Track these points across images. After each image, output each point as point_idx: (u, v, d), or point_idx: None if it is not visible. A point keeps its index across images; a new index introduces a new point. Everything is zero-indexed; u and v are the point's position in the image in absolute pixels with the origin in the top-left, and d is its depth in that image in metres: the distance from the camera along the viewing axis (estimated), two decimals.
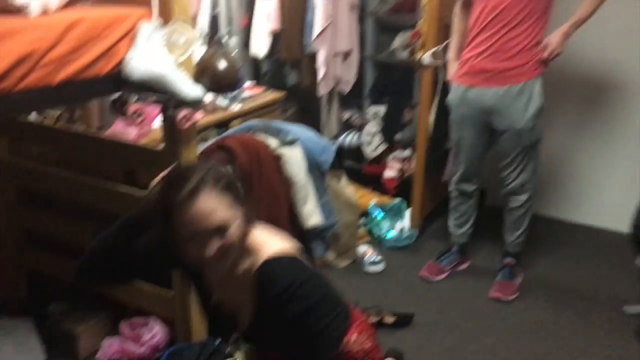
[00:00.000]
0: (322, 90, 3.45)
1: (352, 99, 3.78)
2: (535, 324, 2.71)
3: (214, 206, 1.29)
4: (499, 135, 2.79)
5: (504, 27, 2.59)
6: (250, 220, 1.39)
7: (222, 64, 1.88)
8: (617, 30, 3.21)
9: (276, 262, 1.39)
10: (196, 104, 1.81)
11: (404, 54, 3.47)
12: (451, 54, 2.90)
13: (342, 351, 1.53)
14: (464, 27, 2.81)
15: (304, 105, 4.05)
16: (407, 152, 3.63)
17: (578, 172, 3.57)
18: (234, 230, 1.31)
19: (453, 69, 2.86)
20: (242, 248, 1.38)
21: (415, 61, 3.26)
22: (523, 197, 2.88)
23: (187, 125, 1.81)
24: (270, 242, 1.43)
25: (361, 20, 3.56)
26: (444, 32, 3.16)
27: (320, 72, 3.38)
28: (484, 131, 2.84)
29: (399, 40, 3.50)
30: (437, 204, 3.68)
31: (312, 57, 3.42)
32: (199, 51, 1.95)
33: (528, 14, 2.54)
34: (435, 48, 3.11)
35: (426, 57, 3.11)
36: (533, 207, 2.95)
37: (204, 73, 1.87)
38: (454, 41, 2.89)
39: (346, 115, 3.83)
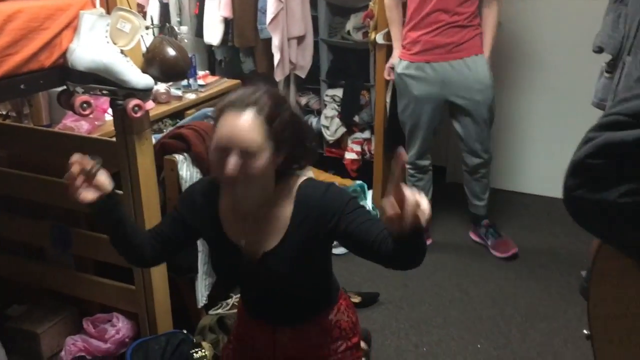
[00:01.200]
0: (279, 75, 3.44)
1: (309, 83, 3.78)
2: (496, 293, 2.78)
3: (251, 127, 1.29)
4: (459, 110, 2.87)
5: (453, 4, 2.68)
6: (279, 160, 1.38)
7: (171, 52, 1.85)
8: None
9: (312, 181, 1.45)
10: (146, 93, 1.79)
11: (357, 36, 3.48)
12: (396, 44, 2.95)
13: (333, 321, 1.60)
14: (400, 17, 2.91)
15: None
16: (366, 134, 3.65)
17: (530, 145, 3.65)
18: (258, 159, 1.30)
19: (390, 64, 2.99)
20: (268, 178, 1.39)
21: (369, 42, 3.27)
22: (487, 165, 3.04)
23: (138, 114, 1.78)
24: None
25: (313, 3, 3.55)
26: None
27: (276, 58, 3.36)
28: (441, 106, 2.91)
29: (352, 22, 3.50)
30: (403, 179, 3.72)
31: (267, 43, 3.40)
32: (146, 39, 1.91)
33: None
34: (388, 28, 3.12)
35: (379, 37, 3.13)
36: None
37: (152, 62, 1.84)
38: (395, 31, 2.94)
39: (304, 99, 3.83)
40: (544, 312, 2.64)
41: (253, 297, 1.62)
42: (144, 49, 1.86)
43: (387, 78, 3.08)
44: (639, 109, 0.70)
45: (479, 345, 2.45)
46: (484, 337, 2.49)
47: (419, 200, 1.10)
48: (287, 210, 1.42)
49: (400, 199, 1.10)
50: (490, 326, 2.56)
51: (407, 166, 3.10)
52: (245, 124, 1.29)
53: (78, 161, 1.39)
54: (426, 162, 3.10)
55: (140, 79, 1.75)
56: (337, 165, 3.78)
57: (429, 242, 3.20)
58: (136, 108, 1.77)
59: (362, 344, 2.25)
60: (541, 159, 3.64)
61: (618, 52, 2.49)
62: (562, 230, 3.27)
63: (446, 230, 3.30)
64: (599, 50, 2.53)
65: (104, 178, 1.43)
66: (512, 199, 3.63)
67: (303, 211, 1.40)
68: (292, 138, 1.37)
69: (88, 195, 1.40)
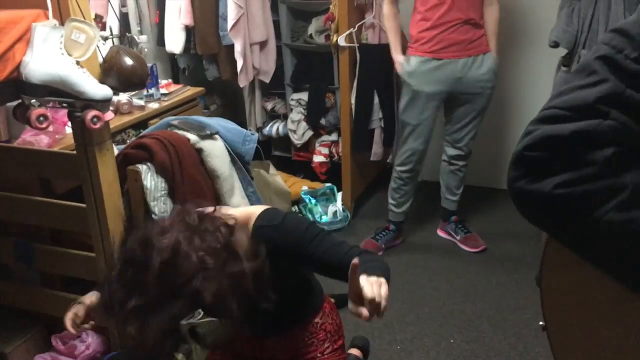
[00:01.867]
0: (242, 81, 3.43)
1: (274, 88, 3.78)
2: (467, 288, 2.81)
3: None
4: (457, 102, 2.92)
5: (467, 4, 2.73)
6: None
7: (128, 62, 1.83)
8: None
9: (261, 217, 1.43)
10: (104, 104, 1.76)
11: (320, 39, 3.49)
12: (396, 51, 2.91)
13: (319, 324, 1.63)
14: (398, 25, 2.90)
15: (227, 99, 4.03)
16: (333, 136, 3.67)
17: (500, 141, 3.71)
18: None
19: (400, 62, 2.91)
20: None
21: (331, 45, 3.29)
22: (466, 159, 3.09)
23: (97, 125, 1.76)
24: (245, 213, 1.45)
25: (274, 8, 3.55)
26: (356, 13, 3.20)
27: (239, 64, 3.35)
28: (441, 106, 2.96)
29: (313, 26, 3.51)
30: (367, 184, 3.75)
31: (230, 49, 3.39)
32: (103, 50, 1.89)
33: None
34: (350, 30, 3.14)
35: (341, 40, 3.14)
36: None
37: (109, 72, 1.81)
38: (394, 40, 2.90)
39: (270, 104, 3.82)
40: (514, 304, 2.68)
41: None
42: (100, 60, 1.84)
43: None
44: (575, 102, 0.72)
45: (451, 340, 2.47)
46: (456, 331, 2.52)
47: (377, 295, 1.16)
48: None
49: (360, 296, 1.15)
50: (462, 321, 2.59)
51: (399, 168, 3.07)
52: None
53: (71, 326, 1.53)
54: (419, 167, 3.09)
55: (97, 89, 1.73)
56: (305, 169, 3.79)
57: (400, 240, 3.23)
58: (95, 119, 1.74)
59: (357, 352, 2.27)
60: (504, 154, 3.69)
61: (573, 46, 2.55)
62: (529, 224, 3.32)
63: (417, 228, 3.33)
64: (555, 45, 2.59)
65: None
66: (481, 194, 3.68)
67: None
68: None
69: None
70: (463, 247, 3.14)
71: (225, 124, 2.43)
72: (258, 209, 1.46)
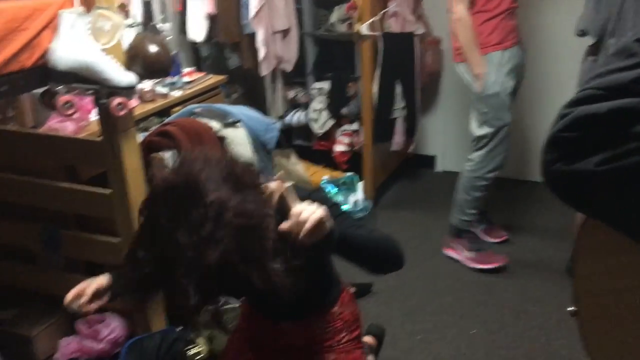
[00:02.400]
0: (264, 70, 3.42)
1: (296, 77, 3.77)
2: (490, 278, 2.79)
3: None
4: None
5: None
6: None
7: (152, 49, 1.84)
8: None
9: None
10: (129, 91, 1.78)
11: (342, 28, 3.47)
12: (479, 64, 2.65)
13: (337, 313, 1.61)
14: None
15: (248, 87, 4.02)
16: (354, 126, 3.65)
17: (519, 132, 3.66)
18: None
19: (480, 62, 2.67)
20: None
21: (354, 34, 3.27)
22: None
23: (122, 112, 1.77)
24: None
25: None
26: (379, 1, 3.18)
27: (261, 53, 3.35)
28: None
29: (336, 14, 3.49)
30: (388, 174, 3.73)
31: (252, 38, 3.39)
32: (128, 37, 1.90)
33: None
34: (372, 18, 3.12)
35: (364, 28, 3.12)
36: None
37: (134, 59, 1.82)
38: (472, 41, 2.64)
39: (291, 93, 3.82)
40: (536, 296, 2.65)
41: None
42: (125, 47, 1.85)
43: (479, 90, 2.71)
44: (612, 83, 0.71)
45: (473, 331, 2.46)
46: (478, 322, 2.51)
47: (305, 211, 1.14)
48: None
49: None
50: (483, 312, 2.57)
51: (492, 175, 2.81)
52: None
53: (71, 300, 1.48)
54: None
55: (122, 76, 1.74)
56: (326, 158, 3.78)
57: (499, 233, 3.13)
58: (120, 106, 1.76)
59: (371, 339, 2.26)
60: (528, 146, 3.65)
61: (601, 35, 2.50)
62: (552, 213, 3.28)
63: (439, 218, 3.31)
64: (582, 33, 2.54)
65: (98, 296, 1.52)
66: (504, 186, 3.64)
67: None
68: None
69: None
70: (486, 238, 3.10)
71: (248, 112, 2.44)
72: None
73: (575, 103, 0.73)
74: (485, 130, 2.75)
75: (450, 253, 2.98)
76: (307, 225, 1.13)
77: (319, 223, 1.14)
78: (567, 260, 2.69)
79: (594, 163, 0.70)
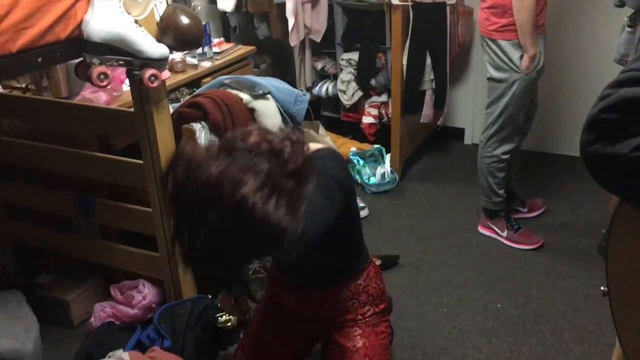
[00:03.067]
0: (294, 40, 3.41)
1: (325, 47, 3.74)
2: (517, 253, 2.79)
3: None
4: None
5: None
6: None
7: (184, 20, 1.84)
8: None
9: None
10: (161, 63, 1.79)
11: None
12: (532, 32, 2.50)
13: (362, 285, 1.63)
14: None
15: (277, 58, 4.02)
16: (383, 97, 3.63)
17: (552, 105, 3.60)
18: None
19: (534, 42, 2.54)
20: None
21: (384, 4, 3.22)
22: None
23: (155, 84, 1.79)
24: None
25: None
26: None
27: (290, 23, 3.32)
28: None
29: None
30: (416, 147, 3.72)
31: (281, 8, 3.36)
32: (159, 8, 1.91)
33: None
34: None
35: None
36: None
37: (166, 31, 1.83)
38: (534, 19, 2.49)
39: (320, 64, 3.80)
40: (564, 272, 2.64)
41: (284, 266, 1.65)
42: (157, 18, 1.85)
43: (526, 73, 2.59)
44: None
45: (499, 305, 2.47)
46: (504, 296, 2.51)
47: None
48: None
49: None
50: (510, 286, 2.58)
51: (505, 156, 2.76)
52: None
53: None
54: None
55: (155, 48, 1.76)
56: (354, 130, 3.78)
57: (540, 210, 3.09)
58: (152, 78, 1.78)
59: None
60: (565, 118, 3.59)
61: None
62: (583, 189, 3.24)
63: (465, 193, 3.30)
64: (621, 4, 2.47)
65: None
66: (534, 159, 3.60)
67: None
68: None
69: None
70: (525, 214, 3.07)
71: (277, 84, 2.44)
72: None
73: (618, 84, 0.72)
74: (497, 113, 2.69)
75: (486, 232, 2.95)
76: None
77: None
78: (599, 239, 2.67)
79: (630, 147, 0.69)
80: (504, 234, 2.88)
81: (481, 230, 2.97)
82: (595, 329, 2.29)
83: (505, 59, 2.59)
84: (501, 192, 2.83)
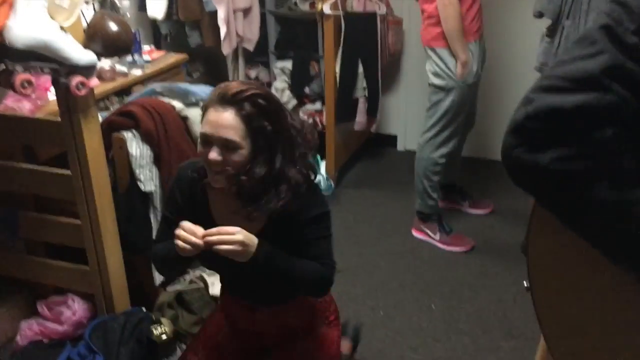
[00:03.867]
0: (226, 49, 3.39)
1: (258, 56, 3.75)
2: (449, 256, 2.87)
3: (230, 124, 1.36)
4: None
5: None
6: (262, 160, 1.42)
7: (112, 27, 1.80)
8: None
9: None
10: (89, 70, 1.74)
11: (304, 7, 3.46)
12: (461, 39, 2.61)
13: (311, 301, 1.67)
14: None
15: (210, 66, 3.98)
16: (317, 105, 3.66)
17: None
18: (236, 154, 1.38)
19: (466, 49, 2.64)
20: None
21: (316, 13, 3.26)
22: None
23: (82, 92, 1.74)
24: None
25: None
26: None
27: (222, 31, 3.31)
28: None
29: None
30: (350, 154, 3.77)
31: (213, 16, 3.34)
32: (86, 15, 1.86)
33: None
34: None
35: (326, 7, 3.12)
36: None
37: (94, 37, 1.79)
38: (461, 27, 2.60)
39: (253, 72, 3.79)
40: (494, 272, 2.74)
41: (235, 283, 1.65)
42: (84, 25, 1.81)
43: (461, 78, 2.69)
44: (577, 73, 0.73)
45: (433, 306, 2.53)
46: (438, 297, 2.58)
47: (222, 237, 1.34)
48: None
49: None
50: (443, 287, 2.65)
51: (441, 161, 2.85)
52: (224, 121, 1.36)
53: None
54: None
55: (82, 55, 1.71)
56: None
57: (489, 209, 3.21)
58: (80, 85, 1.73)
59: (347, 344, 2.25)
60: (490, 125, 3.73)
61: (558, 16, 2.56)
62: (512, 192, 3.37)
63: (399, 198, 3.37)
64: (539, 15, 2.60)
65: None
66: (468, 164, 3.71)
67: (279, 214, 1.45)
68: (273, 146, 1.41)
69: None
70: (472, 211, 3.20)
71: (210, 91, 2.42)
72: None
73: (540, 90, 0.76)
74: (436, 117, 2.79)
75: (420, 236, 3.03)
76: (221, 248, 1.33)
77: (229, 251, 1.34)
78: (522, 239, 2.78)
79: (549, 159, 0.73)
80: (437, 237, 2.96)
81: (415, 233, 3.05)
82: (523, 325, 2.39)
83: (442, 66, 2.69)
84: (434, 195, 2.92)
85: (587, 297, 0.86)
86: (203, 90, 2.40)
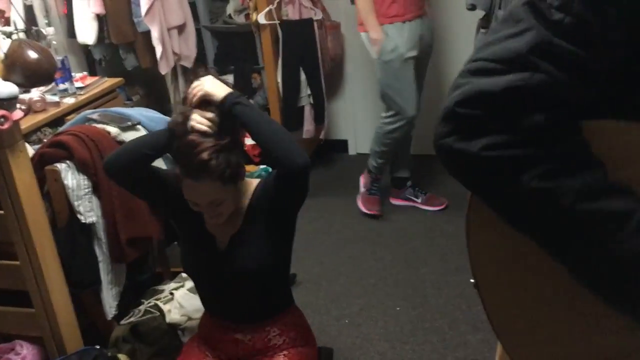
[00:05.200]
0: (163, 68, 3.31)
1: (197, 73, 3.66)
2: (409, 255, 2.85)
3: (208, 191, 1.47)
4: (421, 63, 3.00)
5: None
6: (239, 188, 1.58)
7: (32, 55, 1.72)
8: None
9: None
10: (10, 102, 1.65)
11: (240, 19, 3.41)
12: (370, 18, 2.80)
13: (291, 321, 1.73)
14: None
15: (149, 88, 3.89)
16: None
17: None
18: (224, 205, 1.52)
19: (377, 27, 2.81)
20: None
21: (252, 24, 3.22)
22: None
23: (5, 126, 1.65)
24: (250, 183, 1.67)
25: None
26: None
27: (158, 51, 3.23)
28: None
29: (232, 5, 3.43)
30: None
31: (146, 36, 3.26)
32: (4, 45, 1.77)
33: None
34: (269, 7, 3.08)
35: (261, 17, 3.08)
36: None
37: (13, 68, 1.70)
38: (370, 7, 2.79)
39: None
40: (454, 266, 2.73)
41: (216, 295, 1.69)
42: (1, 56, 1.72)
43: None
44: (505, 53, 0.70)
45: (398, 308, 2.50)
46: (402, 299, 2.55)
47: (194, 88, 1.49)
48: (246, 201, 1.63)
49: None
50: (407, 288, 2.62)
51: (390, 136, 3.04)
52: (202, 191, 1.47)
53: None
54: None
55: (1, 87, 1.62)
56: None
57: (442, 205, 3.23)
58: (2, 119, 1.63)
59: None
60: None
61: (490, 7, 2.58)
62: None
63: (355, 202, 3.33)
64: (472, 7, 2.62)
65: None
66: (422, 158, 3.71)
67: (257, 197, 1.63)
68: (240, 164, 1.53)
69: None
70: (426, 207, 3.21)
71: (147, 113, 2.34)
72: None
73: (469, 73, 0.72)
74: (380, 93, 2.99)
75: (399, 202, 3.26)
76: (195, 92, 1.48)
77: (204, 93, 1.47)
78: None
79: (480, 146, 0.70)
80: (361, 189, 3.23)
81: (395, 202, 3.29)
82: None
83: (368, 48, 2.92)
84: (381, 161, 3.14)
85: (531, 292, 0.83)
86: (140, 113, 2.33)
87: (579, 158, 0.71)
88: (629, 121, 0.74)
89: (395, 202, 3.29)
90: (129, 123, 2.19)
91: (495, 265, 0.84)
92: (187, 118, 1.47)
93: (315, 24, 3.27)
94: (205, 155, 1.41)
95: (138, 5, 3.16)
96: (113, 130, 2.15)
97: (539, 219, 0.72)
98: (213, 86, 1.48)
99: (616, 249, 0.69)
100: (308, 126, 3.41)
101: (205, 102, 1.48)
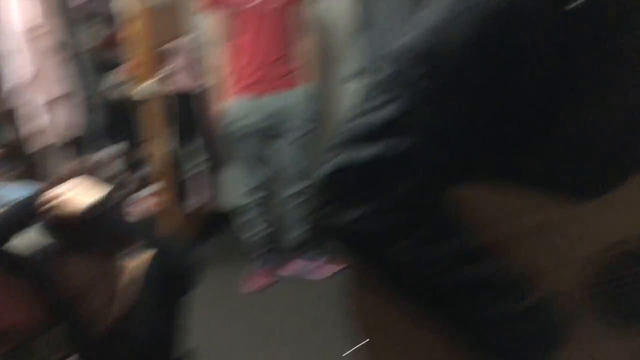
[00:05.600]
0: (41, 144, 3.14)
1: (82, 146, 3.52)
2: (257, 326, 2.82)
3: None
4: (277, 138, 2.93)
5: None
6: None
7: None
8: None
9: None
10: None
11: (121, 91, 3.34)
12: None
13: None
14: None
15: (27, 163, 3.66)
16: (152, 188, 3.49)
17: None
18: None
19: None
20: None
21: (133, 96, 3.16)
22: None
23: None
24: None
25: (69, 61, 3.32)
26: (156, 61, 3.12)
27: (33, 126, 3.07)
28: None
29: (115, 77, 3.35)
30: (194, 234, 3.62)
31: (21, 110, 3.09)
32: None
33: None
34: (151, 80, 3.05)
35: (143, 90, 3.03)
36: None
37: None
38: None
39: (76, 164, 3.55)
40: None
41: None
42: None
43: None
44: (370, 122, 0.71)
45: None
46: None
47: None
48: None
49: None
50: (310, 352, 2.56)
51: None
52: None
53: None
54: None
55: None
56: None
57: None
58: None
59: None
60: None
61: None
62: None
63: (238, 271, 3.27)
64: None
65: None
66: None
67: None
68: None
69: None
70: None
71: (20, 189, 2.19)
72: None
73: (339, 145, 0.72)
74: None
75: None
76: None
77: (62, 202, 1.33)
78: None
79: (346, 221, 0.70)
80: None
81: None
82: None
83: None
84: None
85: (420, 350, 0.83)
86: (12, 192, 2.18)
87: (447, 224, 0.72)
88: (501, 180, 0.74)
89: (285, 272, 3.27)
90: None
91: (377, 331, 0.84)
92: None
93: (201, 92, 3.26)
94: None
95: (7, 78, 3.01)
96: None
97: (413, 286, 0.72)
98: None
99: (481, 314, 0.71)
100: (202, 194, 3.34)
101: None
